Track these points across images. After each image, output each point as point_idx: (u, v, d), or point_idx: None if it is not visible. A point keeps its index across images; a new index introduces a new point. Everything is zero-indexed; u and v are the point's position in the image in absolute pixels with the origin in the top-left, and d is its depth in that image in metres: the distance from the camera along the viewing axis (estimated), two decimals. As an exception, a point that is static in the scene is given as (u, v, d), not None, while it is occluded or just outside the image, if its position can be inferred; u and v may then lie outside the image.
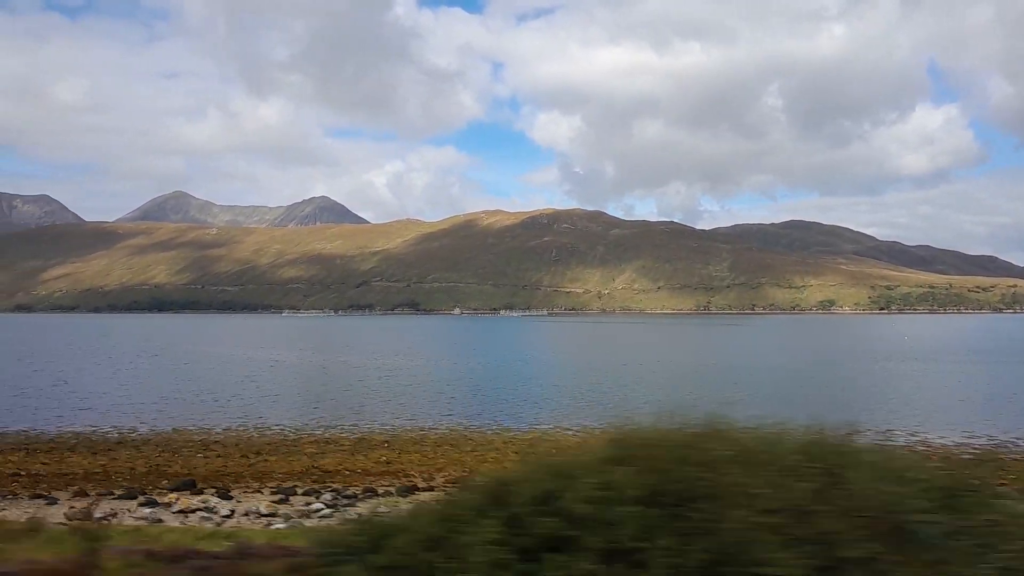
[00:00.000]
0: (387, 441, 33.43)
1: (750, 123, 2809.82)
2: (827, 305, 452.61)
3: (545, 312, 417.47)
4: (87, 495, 22.78)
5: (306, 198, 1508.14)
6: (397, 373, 68.70)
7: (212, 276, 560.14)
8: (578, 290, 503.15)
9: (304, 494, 23.20)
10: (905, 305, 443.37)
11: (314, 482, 24.93)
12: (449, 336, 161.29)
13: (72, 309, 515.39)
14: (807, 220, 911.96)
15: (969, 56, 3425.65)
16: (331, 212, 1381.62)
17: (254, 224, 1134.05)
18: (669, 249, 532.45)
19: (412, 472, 26.59)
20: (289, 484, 24.43)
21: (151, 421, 38.91)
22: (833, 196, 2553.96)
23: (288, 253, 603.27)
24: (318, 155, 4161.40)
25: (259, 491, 23.77)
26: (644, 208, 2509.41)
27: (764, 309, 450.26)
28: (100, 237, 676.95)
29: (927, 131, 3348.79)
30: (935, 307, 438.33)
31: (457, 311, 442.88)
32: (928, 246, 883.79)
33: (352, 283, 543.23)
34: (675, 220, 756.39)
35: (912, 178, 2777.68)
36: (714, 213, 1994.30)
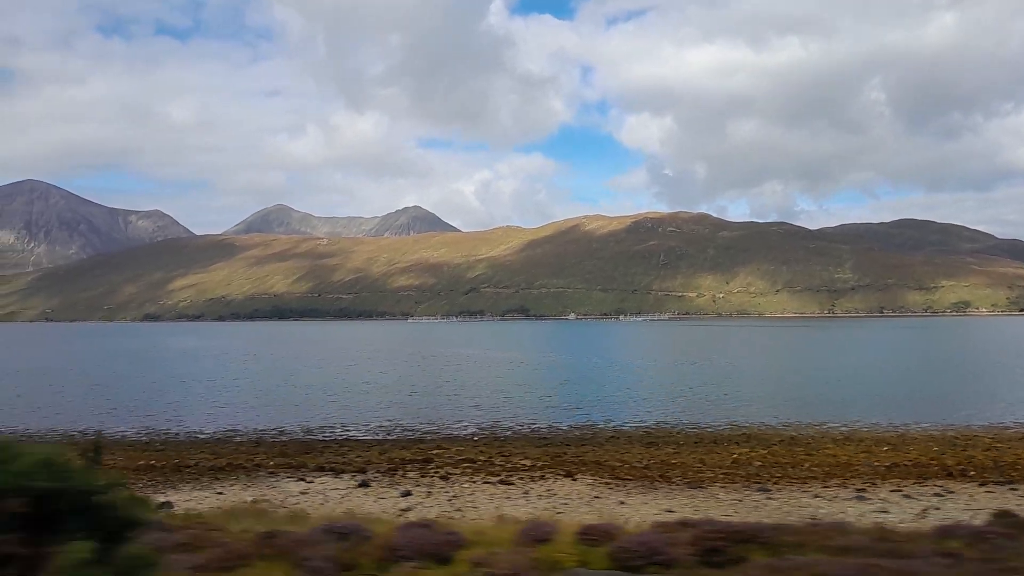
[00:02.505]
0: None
1: (851, 118, 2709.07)
2: (962, 307, 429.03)
3: (666, 316, 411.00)
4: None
5: (399, 208, 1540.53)
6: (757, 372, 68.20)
7: (328, 285, 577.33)
8: (691, 294, 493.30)
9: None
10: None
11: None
12: (649, 341, 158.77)
13: (197, 318, 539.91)
14: (918, 218, 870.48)
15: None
16: (424, 221, 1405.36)
17: (353, 235, 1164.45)
18: (784, 250, 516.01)
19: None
20: None
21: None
22: (939, 193, 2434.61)
23: (397, 262, 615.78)
24: (410, 166, 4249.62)
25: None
26: (737, 210, 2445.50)
27: (894, 312, 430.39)
28: (220, 249, 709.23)
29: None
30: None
31: (572, 316, 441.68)
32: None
33: (461, 290, 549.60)
34: (771, 221, 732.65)
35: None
36: (811, 213, 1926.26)
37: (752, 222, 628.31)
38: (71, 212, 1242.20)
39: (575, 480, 23.59)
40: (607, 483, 23.16)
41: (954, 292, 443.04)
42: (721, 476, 23.99)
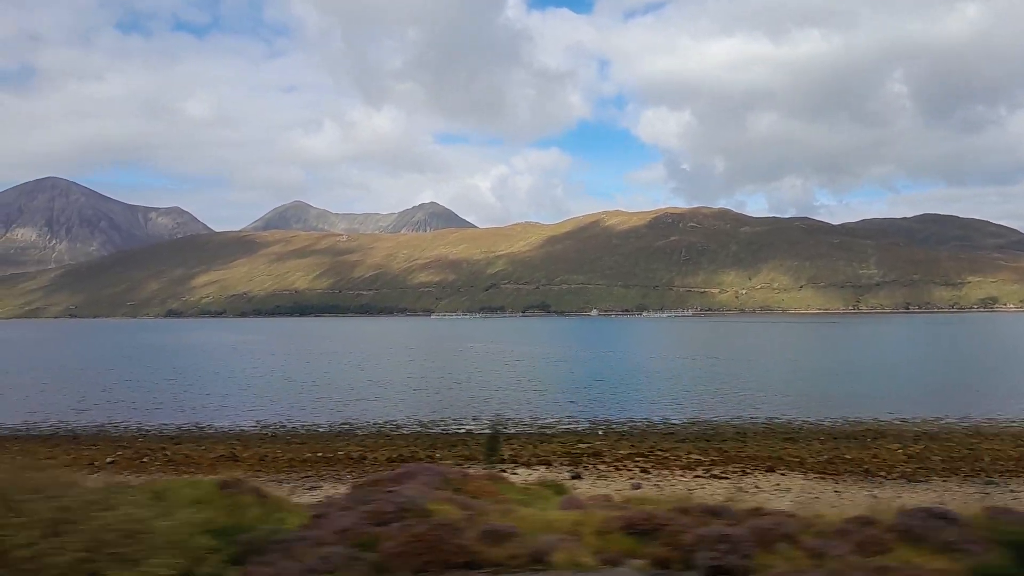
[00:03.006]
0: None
1: (872, 112, 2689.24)
2: (989, 303, 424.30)
3: (690, 312, 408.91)
4: None
5: (415, 204, 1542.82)
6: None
7: (348, 281, 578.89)
8: (713, 290, 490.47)
9: None
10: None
11: None
12: (691, 337, 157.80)
13: (219, 314, 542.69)
14: (941, 213, 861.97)
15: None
16: (440, 218, 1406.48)
17: (370, 231, 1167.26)
18: (807, 246, 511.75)
19: None
20: None
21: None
22: (962, 187, 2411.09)
23: (416, 258, 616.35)
24: (427, 161, 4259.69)
25: None
26: (755, 204, 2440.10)
27: (920, 308, 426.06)
28: (241, 246, 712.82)
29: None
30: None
31: (594, 312, 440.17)
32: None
33: (481, 286, 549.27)
34: (792, 216, 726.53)
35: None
36: (831, 207, 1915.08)
37: (774, 217, 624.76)
38: (92, 209, 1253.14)
39: (782, 475, 23.38)
40: (820, 477, 22.98)
41: (981, 288, 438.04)
42: (919, 470, 23.83)
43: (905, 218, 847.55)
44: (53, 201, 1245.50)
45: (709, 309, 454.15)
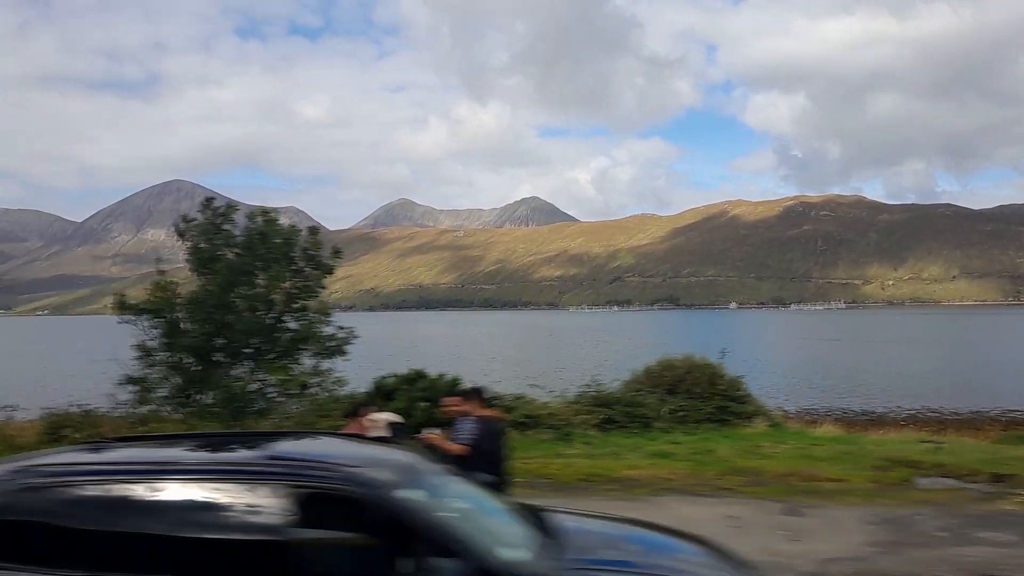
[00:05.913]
0: None
1: (1004, 88, 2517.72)
2: None
3: (843, 304, 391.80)
4: None
5: (517, 199, 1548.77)
6: None
7: (470, 276, 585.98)
8: (856, 281, 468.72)
9: None
10: None
11: None
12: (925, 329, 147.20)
13: (350, 308, 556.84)
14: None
15: None
16: (542, 212, 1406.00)
17: (474, 226, 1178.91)
18: (956, 233, 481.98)
19: None
20: None
21: None
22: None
23: (535, 252, 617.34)
24: (529, 155, 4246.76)
25: None
26: (871, 191, 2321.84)
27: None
28: (364, 242, 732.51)
29: None
30: None
31: (733, 305, 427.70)
32: None
33: (604, 279, 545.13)
34: (909, 202, 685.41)
35: None
36: (953, 193, 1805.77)
37: (915, 204, 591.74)
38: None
39: None
40: None
41: None
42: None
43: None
44: (179, 203, 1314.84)
45: (854, 301, 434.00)
